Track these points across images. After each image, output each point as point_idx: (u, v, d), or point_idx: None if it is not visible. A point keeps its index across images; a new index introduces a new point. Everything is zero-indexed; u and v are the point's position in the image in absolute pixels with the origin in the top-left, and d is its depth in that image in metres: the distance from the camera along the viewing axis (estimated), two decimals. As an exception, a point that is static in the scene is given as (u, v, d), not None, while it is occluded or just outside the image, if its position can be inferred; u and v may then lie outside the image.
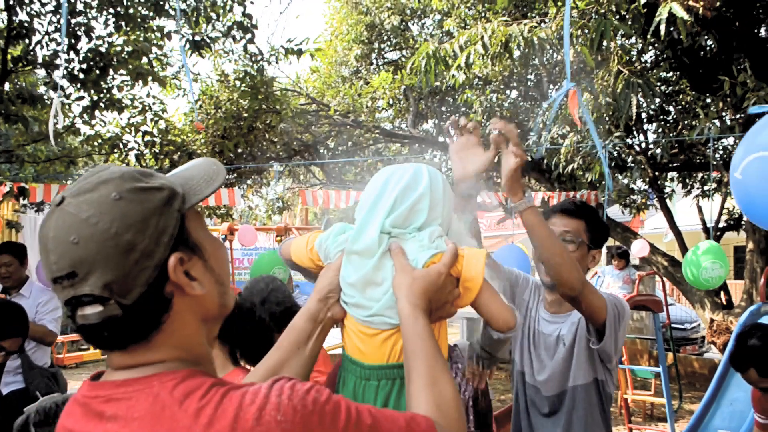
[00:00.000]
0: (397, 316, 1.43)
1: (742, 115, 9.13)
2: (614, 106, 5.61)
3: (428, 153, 14.44)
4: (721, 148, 11.80)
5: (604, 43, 4.81)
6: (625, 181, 12.06)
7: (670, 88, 11.32)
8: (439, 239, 1.51)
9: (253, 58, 9.23)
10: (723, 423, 5.73)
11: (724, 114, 9.93)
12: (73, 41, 7.15)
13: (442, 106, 13.49)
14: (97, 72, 7.63)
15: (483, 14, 10.73)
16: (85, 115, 8.08)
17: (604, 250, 3.04)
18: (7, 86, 7.41)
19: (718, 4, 5.46)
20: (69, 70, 7.23)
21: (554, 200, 10.02)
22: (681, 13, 4.67)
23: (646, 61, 10.27)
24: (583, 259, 2.62)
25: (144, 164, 9.17)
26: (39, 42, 7.26)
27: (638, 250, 9.59)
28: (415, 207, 1.51)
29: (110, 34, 8.16)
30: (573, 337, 2.60)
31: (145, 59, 8.13)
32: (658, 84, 10.67)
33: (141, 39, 8.16)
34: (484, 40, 5.26)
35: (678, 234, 10.84)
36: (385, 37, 13.64)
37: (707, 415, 5.92)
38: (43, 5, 7.31)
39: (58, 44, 7.24)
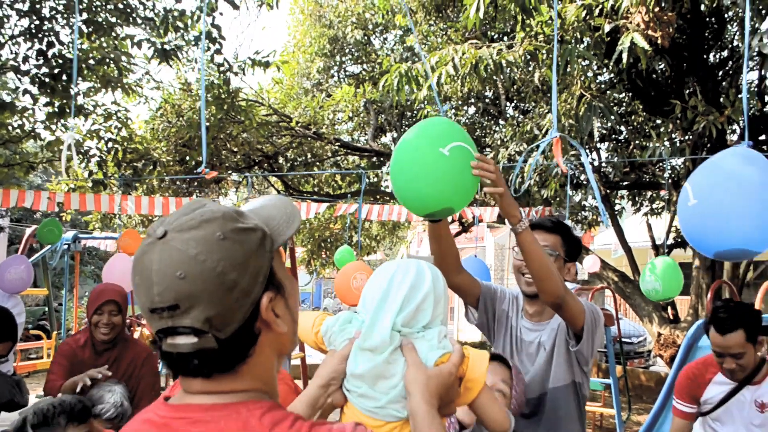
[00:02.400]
0: (404, 410, 1.53)
1: (691, 137, 9.53)
2: (576, 128, 5.87)
3: (386, 166, 14.63)
4: (669, 168, 12.23)
5: (569, 68, 5.05)
6: (577, 198, 12.44)
7: (623, 108, 11.75)
8: (445, 339, 1.60)
9: (220, 68, 9.28)
10: (671, 432, 5.98)
11: (674, 136, 10.35)
12: (43, 47, 7.13)
13: (402, 120, 13.71)
14: (65, 78, 7.61)
15: (445, 31, 10.98)
16: (49, 122, 8.05)
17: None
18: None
19: (675, 35, 5.76)
20: (38, 76, 7.20)
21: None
22: (642, 43, 4.94)
23: (601, 83, 10.63)
24: (561, 271, 2.81)
25: (105, 171, 9.12)
26: (2, 45, 7.23)
27: (590, 265, 9.88)
28: (421, 306, 1.59)
29: (81, 42, 8.16)
30: (552, 343, 2.78)
31: (113, 66, 8.12)
32: (613, 104, 11.07)
33: (111, 47, 8.16)
34: (454, 61, 5.46)
35: (628, 250, 11.21)
36: (347, 51, 13.81)
37: (655, 426, 6.16)
38: (11, 6, 7.28)
39: (29, 49, 7.22)
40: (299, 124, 11.89)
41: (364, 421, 1.59)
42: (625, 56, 5.02)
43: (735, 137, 10.64)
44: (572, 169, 10.38)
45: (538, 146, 2.14)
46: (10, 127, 8.35)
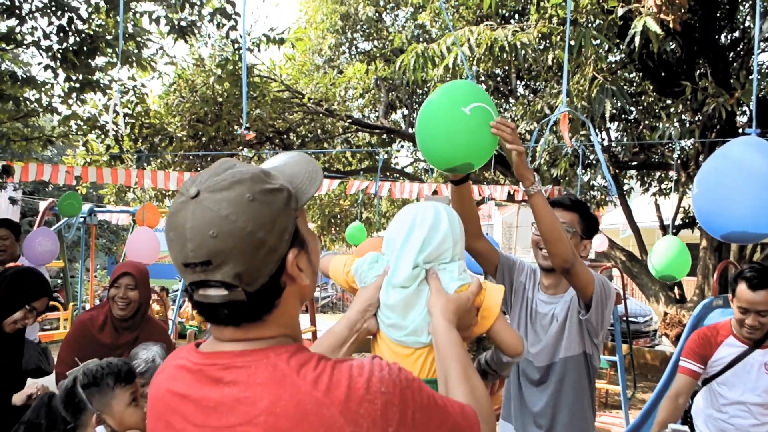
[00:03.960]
0: (428, 336, 1.70)
1: (700, 119, 9.58)
2: (588, 109, 5.95)
3: (397, 143, 14.71)
4: (678, 149, 12.26)
5: (582, 51, 5.13)
6: (586, 177, 12.50)
7: (633, 88, 11.76)
8: (464, 273, 1.78)
9: (235, 45, 9.35)
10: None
11: (684, 117, 10.40)
12: (63, 23, 7.22)
13: (413, 97, 13.77)
14: (86, 53, 7.70)
15: (457, 9, 11.00)
16: (67, 97, 8.15)
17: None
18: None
19: (687, 17, 5.82)
20: (60, 51, 7.30)
21: (519, 194, 10.40)
22: (654, 27, 5.01)
23: (612, 63, 10.66)
24: (577, 247, 2.94)
25: (121, 146, 9.25)
26: (23, 19, 7.33)
27: (598, 244, 9.99)
28: (441, 246, 1.76)
29: (96, 16, 8.24)
30: (565, 314, 2.92)
31: (132, 42, 8.21)
32: (624, 84, 11.09)
33: (129, 23, 8.24)
34: (470, 42, 5.55)
35: (636, 230, 11.30)
36: (359, 28, 13.82)
37: (659, 403, 6.29)
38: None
39: (49, 24, 7.31)
40: (311, 101, 11.96)
41: (394, 349, 1.77)
42: (637, 40, 5.09)
43: (745, 119, 10.68)
44: (582, 149, 10.43)
45: (548, 122, 2.24)
46: (27, 102, 8.47)
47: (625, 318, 9.15)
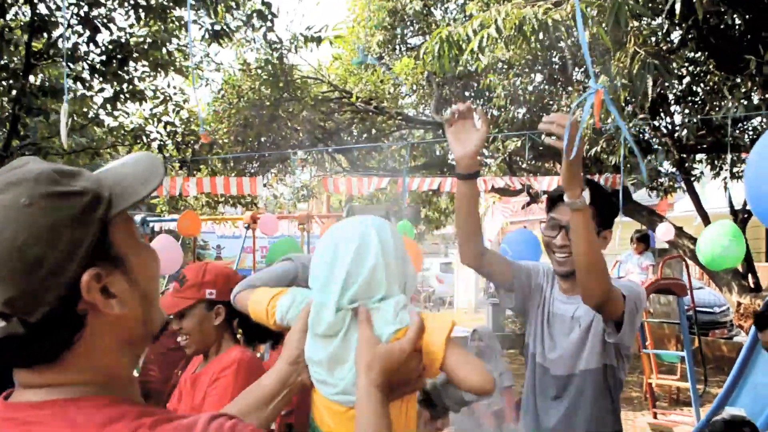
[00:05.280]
0: None
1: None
2: (630, 88, 5.54)
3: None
4: (751, 129, 11.58)
5: (621, 23, 4.73)
6: (652, 163, 11.91)
7: (698, 68, 11.13)
8: (403, 311, 1.44)
9: (273, 46, 9.26)
10: (746, 407, 5.66)
11: (752, 93, 9.75)
12: (93, 33, 7.24)
13: (465, 91, 13.42)
14: (117, 63, 7.72)
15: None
16: (108, 106, 8.19)
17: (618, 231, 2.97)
18: (31, 79, 7.53)
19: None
20: (90, 62, 7.31)
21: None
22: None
23: (671, 41, 10.10)
24: None
25: (166, 154, 9.27)
26: (61, 35, 7.38)
27: (663, 233, 9.48)
28: (372, 280, 1.43)
29: (131, 26, 8.26)
30: (590, 320, 2.56)
31: (164, 50, 8.20)
32: (686, 64, 10.50)
33: (161, 30, 8.24)
34: (497, 23, 5.23)
35: (705, 217, 10.70)
36: (408, 23, 13.58)
37: (730, 399, 5.86)
38: (64, -3, 7.42)
39: (80, 36, 7.33)
40: (360, 100, 11.79)
41: (328, 405, 1.48)
42: (678, 6, 4.68)
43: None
44: (642, 134, 9.93)
45: (579, 104, 1.94)
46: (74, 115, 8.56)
47: (691, 309, 8.60)
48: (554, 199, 2.59)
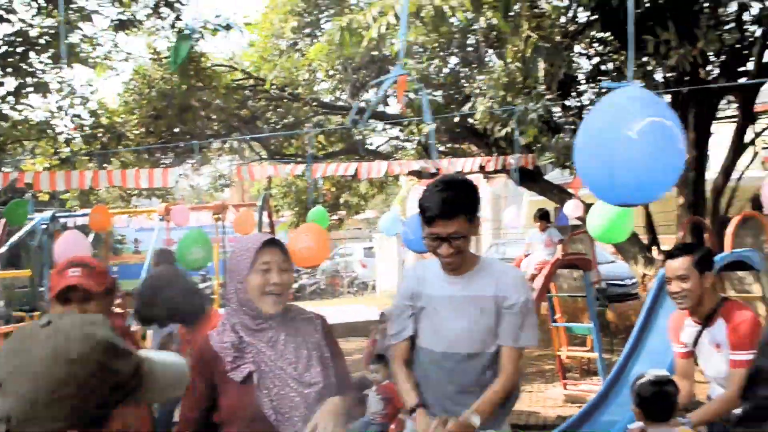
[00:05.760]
0: None
1: (674, 74, 9.32)
2: (522, 70, 5.70)
3: (367, 123, 14.43)
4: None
5: (509, 7, 4.86)
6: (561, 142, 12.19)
7: (606, 48, 11.44)
8: None
9: (182, 35, 9.13)
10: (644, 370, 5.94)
11: (655, 72, 10.08)
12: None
13: (381, 75, 13.48)
14: (19, 56, 7.51)
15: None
16: (11, 100, 7.96)
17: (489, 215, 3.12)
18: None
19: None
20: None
21: (491, 164, 10.17)
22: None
23: (577, 22, 10.34)
24: (468, 244, 2.78)
25: (72, 148, 9.06)
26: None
27: (572, 209, 9.76)
28: None
29: (33, 17, 8.03)
30: (486, 300, 2.78)
31: (67, 40, 8.00)
32: (595, 44, 10.77)
33: (65, 20, 8.03)
34: (395, 9, 5.30)
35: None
36: (323, 8, 13.51)
37: (628, 365, 6.14)
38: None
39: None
40: (274, 87, 11.71)
41: None
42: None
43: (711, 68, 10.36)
44: (551, 113, 10.15)
45: (378, 83, 2.01)
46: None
47: (597, 284, 8.94)
48: (429, 219, 2.70)
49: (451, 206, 2.65)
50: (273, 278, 2.36)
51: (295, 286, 18.59)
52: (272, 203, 14.24)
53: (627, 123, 2.28)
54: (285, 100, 11.97)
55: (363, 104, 11.67)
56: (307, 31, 13.63)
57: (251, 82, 12.35)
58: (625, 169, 2.28)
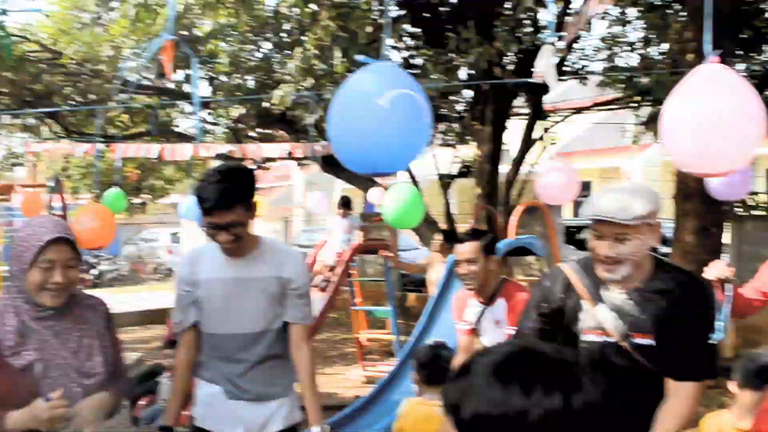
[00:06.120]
0: None
1: (474, 72, 9.83)
2: (321, 57, 5.82)
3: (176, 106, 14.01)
4: (463, 101, 12.57)
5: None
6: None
7: (415, 42, 11.83)
8: None
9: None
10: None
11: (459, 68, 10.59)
12: None
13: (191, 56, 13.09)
14: None
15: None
16: None
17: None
18: None
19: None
20: None
21: (299, 151, 10.22)
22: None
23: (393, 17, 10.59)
24: (247, 229, 2.89)
25: None
26: None
27: (375, 196, 10.04)
28: None
29: None
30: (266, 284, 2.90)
31: None
32: (407, 37, 11.09)
33: None
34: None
35: (415, 182, 11.53)
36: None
37: (420, 342, 6.44)
38: None
39: None
40: (73, 62, 11.05)
41: None
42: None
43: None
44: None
45: (145, 49, 2.01)
46: None
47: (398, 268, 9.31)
48: (207, 210, 2.75)
49: (228, 197, 2.71)
50: (54, 277, 2.29)
51: (94, 272, 17.69)
52: (69, 185, 13.45)
53: (378, 95, 2.40)
54: (84, 76, 11.30)
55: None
56: (114, 5, 12.97)
57: (48, 55, 11.55)
58: (377, 137, 2.41)
